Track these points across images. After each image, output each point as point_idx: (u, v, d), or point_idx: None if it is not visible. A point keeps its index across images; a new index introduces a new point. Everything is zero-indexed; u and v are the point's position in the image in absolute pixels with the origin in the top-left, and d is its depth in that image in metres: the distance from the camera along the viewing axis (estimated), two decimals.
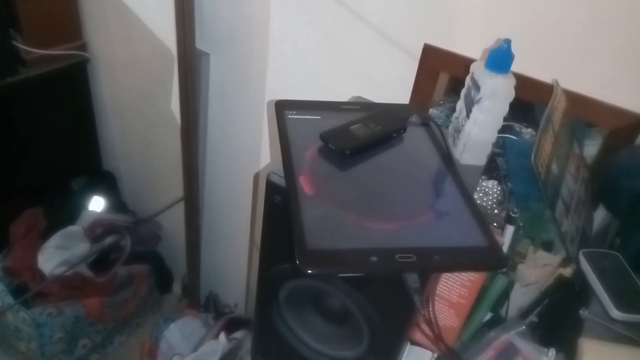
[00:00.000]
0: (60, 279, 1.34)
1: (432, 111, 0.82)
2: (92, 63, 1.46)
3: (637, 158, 0.67)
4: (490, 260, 0.46)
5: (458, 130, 0.61)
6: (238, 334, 1.27)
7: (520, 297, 0.68)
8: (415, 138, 0.61)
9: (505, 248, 0.66)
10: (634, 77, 0.67)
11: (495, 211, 0.70)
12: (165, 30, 1.17)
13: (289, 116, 0.60)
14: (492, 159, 0.71)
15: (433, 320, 0.58)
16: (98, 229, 1.49)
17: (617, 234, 0.68)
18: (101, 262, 1.45)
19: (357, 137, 0.56)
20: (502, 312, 0.69)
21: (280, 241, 0.56)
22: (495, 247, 0.46)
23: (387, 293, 0.53)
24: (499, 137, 0.72)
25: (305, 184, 0.50)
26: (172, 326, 1.32)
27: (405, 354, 0.65)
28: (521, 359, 0.61)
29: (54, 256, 1.35)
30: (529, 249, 0.69)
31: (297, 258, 0.42)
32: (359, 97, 0.78)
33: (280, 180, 0.52)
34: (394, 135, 0.60)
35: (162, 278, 1.69)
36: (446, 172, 0.56)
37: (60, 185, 1.57)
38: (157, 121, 1.44)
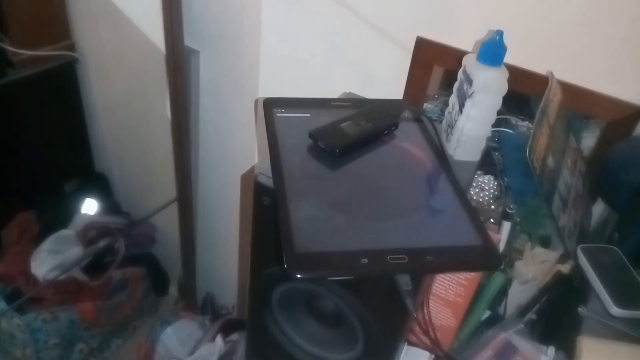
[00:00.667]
0: (54, 284, 1.33)
1: (427, 105, 0.81)
2: (81, 63, 1.44)
3: (635, 149, 0.66)
4: (484, 260, 0.45)
5: (451, 126, 0.60)
6: (235, 336, 1.26)
7: (518, 295, 0.67)
8: (407, 135, 0.60)
9: (502, 244, 0.65)
10: (631, 67, 0.65)
11: (492, 207, 0.69)
12: (154, 28, 1.15)
13: (278, 114, 0.59)
14: (487, 153, 0.70)
15: (428, 323, 0.56)
16: (91, 232, 1.47)
17: (616, 228, 0.67)
18: (95, 265, 1.44)
19: (348, 134, 0.55)
20: (500, 310, 0.68)
21: (271, 243, 0.55)
22: (489, 246, 0.45)
23: (381, 295, 0.52)
24: (494, 131, 0.71)
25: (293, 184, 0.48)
26: (169, 329, 1.31)
27: (402, 355, 0.64)
28: (520, 357, 0.60)
29: (47, 260, 1.33)
30: (527, 245, 0.68)
31: (285, 262, 0.41)
32: (349, 93, 0.77)
33: (269, 182, 0.51)
34: (386, 132, 0.58)
35: (158, 280, 1.68)
36: (439, 169, 0.55)
37: (52, 188, 1.55)
38: (148, 121, 1.42)
